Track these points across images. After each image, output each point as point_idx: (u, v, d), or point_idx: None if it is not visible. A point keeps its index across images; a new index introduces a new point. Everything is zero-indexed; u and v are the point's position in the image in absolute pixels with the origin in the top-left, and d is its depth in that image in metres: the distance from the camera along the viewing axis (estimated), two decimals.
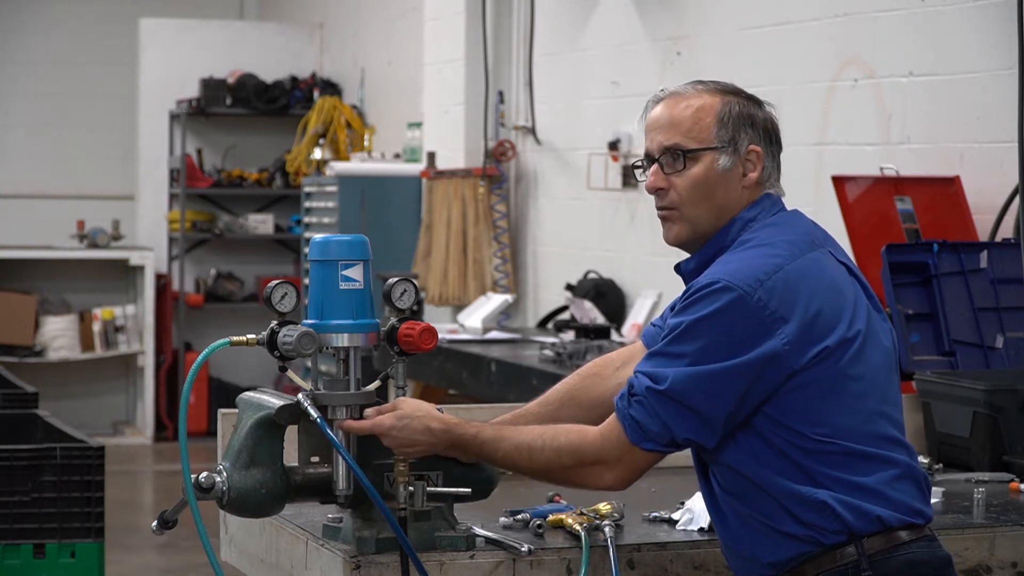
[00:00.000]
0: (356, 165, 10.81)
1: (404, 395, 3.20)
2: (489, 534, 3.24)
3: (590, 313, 7.59)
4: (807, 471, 2.99)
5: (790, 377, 2.97)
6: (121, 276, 12.70)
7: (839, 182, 5.84)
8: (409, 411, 3.13)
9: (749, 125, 3.15)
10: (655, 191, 3.20)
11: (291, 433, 3.16)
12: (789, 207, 3.24)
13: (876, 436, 3.03)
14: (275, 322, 3.15)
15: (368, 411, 3.15)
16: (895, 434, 3.07)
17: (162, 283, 12.71)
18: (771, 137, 3.18)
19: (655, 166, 3.20)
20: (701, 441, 3.01)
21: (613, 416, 3.04)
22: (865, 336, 3.04)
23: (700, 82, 3.23)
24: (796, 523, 3.00)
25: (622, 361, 3.48)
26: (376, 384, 3.22)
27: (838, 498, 2.98)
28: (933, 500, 3.80)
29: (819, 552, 3.00)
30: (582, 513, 3.33)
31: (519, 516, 3.39)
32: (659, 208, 3.21)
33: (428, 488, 3.17)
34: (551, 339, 7.36)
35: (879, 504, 3.00)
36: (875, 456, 3.02)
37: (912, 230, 5.68)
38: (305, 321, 3.16)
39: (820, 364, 2.98)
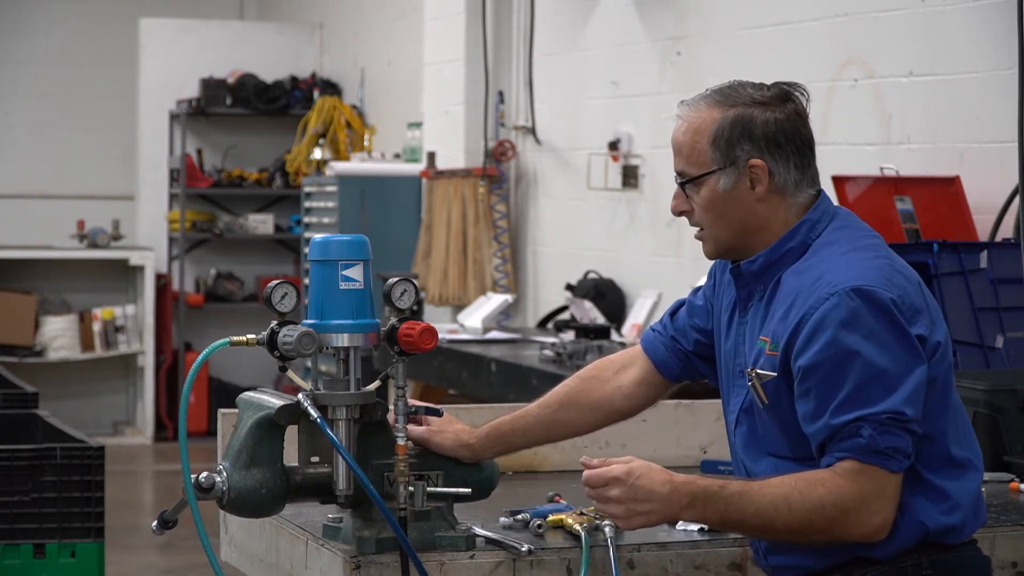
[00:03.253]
0: (356, 165, 10.81)
1: (404, 395, 3.19)
2: (489, 534, 3.24)
3: (590, 313, 7.59)
4: (912, 473, 2.97)
5: None
6: (121, 276, 12.70)
7: (839, 182, 5.84)
8: (643, 464, 3.00)
9: (746, 139, 3.06)
10: (678, 214, 3.16)
11: (291, 433, 3.16)
12: None
13: (962, 435, 3.05)
14: (275, 322, 3.15)
15: (594, 463, 3.04)
16: (969, 431, 3.10)
17: (162, 283, 12.72)
18: (778, 141, 3.08)
19: (677, 189, 3.16)
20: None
21: (852, 465, 2.91)
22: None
23: (709, 93, 3.14)
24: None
25: (621, 364, 3.46)
26: (376, 384, 3.22)
27: (933, 518, 2.98)
28: None
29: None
30: (582, 513, 3.33)
31: (519, 516, 3.39)
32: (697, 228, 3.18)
33: (428, 488, 3.17)
34: (551, 339, 7.36)
35: (961, 520, 3.01)
36: (966, 463, 3.03)
37: (912, 230, 5.68)
38: (305, 321, 3.16)
39: (936, 361, 2.97)
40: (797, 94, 3.14)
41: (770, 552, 3.12)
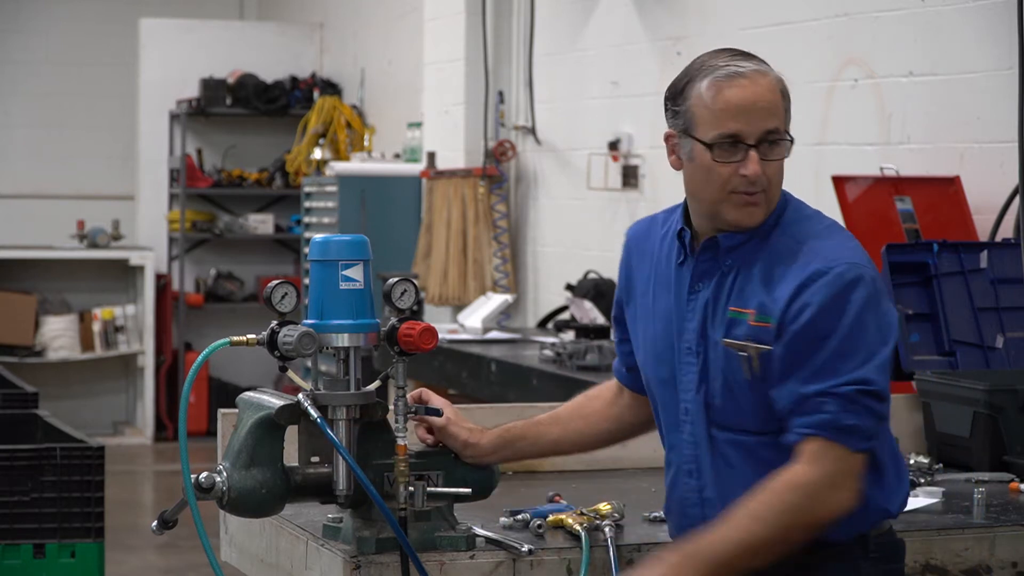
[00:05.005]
0: (356, 165, 10.81)
1: (404, 395, 3.19)
2: (489, 534, 3.24)
3: (590, 313, 7.59)
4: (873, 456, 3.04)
5: None
6: (121, 276, 12.70)
7: (839, 182, 5.84)
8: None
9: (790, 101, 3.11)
10: (755, 178, 3.03)
11: (291, 433, 3.16)
12: None
13: None
14: (275, 322, 3.15)
15: None
16: None
17: (162, 283, 12.72)
18: None
19: (754, 152, 3.03)
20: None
21: (814, 445, 2.94)
22: None
23: (748, 55, 3.09)
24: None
25: (619, 387, 3.42)
26: (376, 384, 3.22)
27: (888, 500, 3.07)
28: (933, 500, 3.83)
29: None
30: (582, 513, 3.33)
31: (519, 516, 3.39)
32: (750, 194, 3.04)
33: (428, 488, 3.17)
34: (551, 339, 7.36)
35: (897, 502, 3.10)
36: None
37: (912, 230, 5.67)
38: (305, 321, 3.16)
39: None
40: None
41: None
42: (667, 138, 3.13)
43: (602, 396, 3.45)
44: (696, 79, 3.05)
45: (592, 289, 8.19)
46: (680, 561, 2.93)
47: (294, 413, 3.11)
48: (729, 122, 3.02)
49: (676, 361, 3.13)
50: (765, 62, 3.09)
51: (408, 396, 3.24)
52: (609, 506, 3.35)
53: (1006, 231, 5.54)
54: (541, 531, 3.32)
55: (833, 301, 2.95)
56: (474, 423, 3.37)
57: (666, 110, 3.12)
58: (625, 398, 3.42)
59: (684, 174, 3.11)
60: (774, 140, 3.04)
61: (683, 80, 3.08)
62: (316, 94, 12.66)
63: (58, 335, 12.38)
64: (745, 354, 3.02)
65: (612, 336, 3.34)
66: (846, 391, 2.93)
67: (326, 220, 10.59)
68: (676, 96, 3.09)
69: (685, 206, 3.17)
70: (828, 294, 2.95)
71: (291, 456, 3.16)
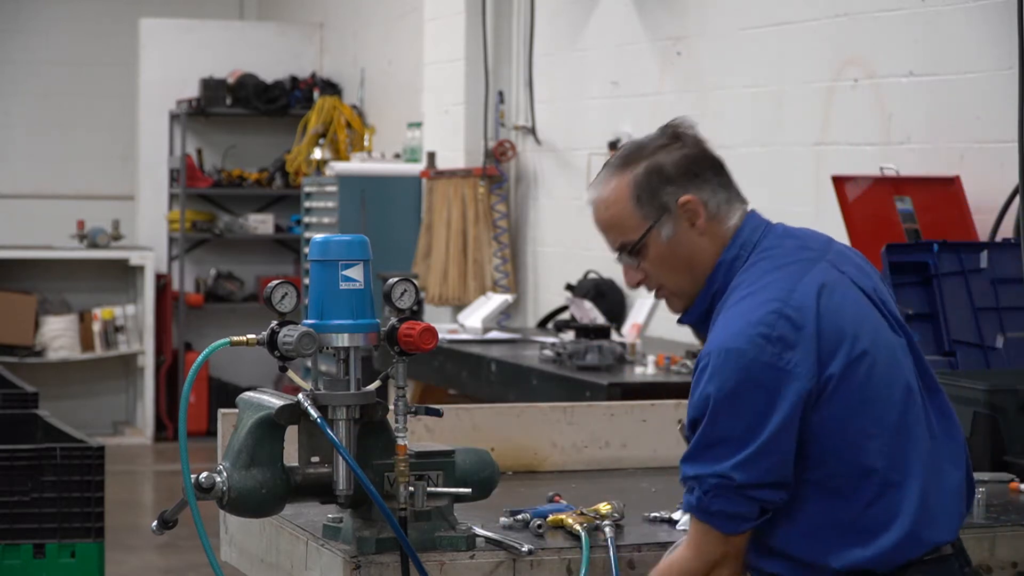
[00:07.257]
0: (356, 165, 10.82)
1: (404, 395, 3.19)
2: (489, 534, 3.24)
3: (590, 313, 7.59)
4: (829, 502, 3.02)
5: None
6: (121, 276, 12.70)
7: (839, 182, 5.84)
8: None
9: (665, 182, 3.07)
10: (636, 286, 3.19)
11: (291, 433, 3.16)
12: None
13: (895, 454, 3.02)
14: (275, 322, 3.15)
15: None
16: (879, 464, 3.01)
17: (162, 283, 12.72)
18: (693, 170, 3.09)
19: (624, 265, 3.18)
20: (786, 498, 2.97)
21: (694, 525, 2.97)
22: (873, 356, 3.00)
23: (609, 163, 3.15)
24: None
25: None
26: (376, 384, 3.22)
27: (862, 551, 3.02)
28: None
29: None
30: (582, 513, 3.33)
31: (519, 516, 3.39)
32: (652, 292, 3.20)
33: (428, 488, 3.17)
34: (551, 339, 7.35)
35: (897, 540, 3.03)
36: (896, 483, 3.01)
37: (912, 230, 5.68)
38: (305, 321, 3.16)
39: (833, 393, 2.95)
40: (684, 127, 3.14)
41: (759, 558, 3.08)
42: None
43: None
44: None
45: (592, 289, 8.19)
46: None
47: (294, 413, 3.11)
48: None
49: None
50: (616, 162, 3.13)
51: None
52: (609, 506, 3.35)
53: (1006, 231, 5.54)
54: (541, 531, 3.32)
55: (703, 387, 2.96)
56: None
57: None
58: None
59: None
60: (626, 253, 3.13)
61: None
62: (316, 94, 12.66)
63: (58, 335, 12.38)
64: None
65: None
66: (708, 483, 2.94)
67: (326, 220, 10.59)
68: None
69: None
70: (700, 380, 2.97)
71: (291, 456, 3.16)
